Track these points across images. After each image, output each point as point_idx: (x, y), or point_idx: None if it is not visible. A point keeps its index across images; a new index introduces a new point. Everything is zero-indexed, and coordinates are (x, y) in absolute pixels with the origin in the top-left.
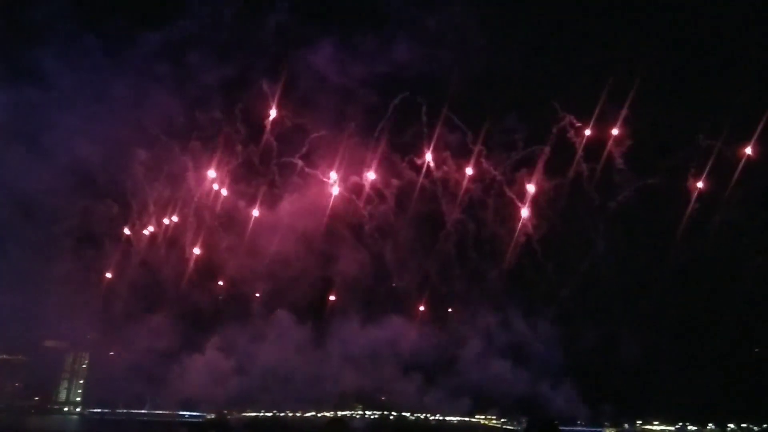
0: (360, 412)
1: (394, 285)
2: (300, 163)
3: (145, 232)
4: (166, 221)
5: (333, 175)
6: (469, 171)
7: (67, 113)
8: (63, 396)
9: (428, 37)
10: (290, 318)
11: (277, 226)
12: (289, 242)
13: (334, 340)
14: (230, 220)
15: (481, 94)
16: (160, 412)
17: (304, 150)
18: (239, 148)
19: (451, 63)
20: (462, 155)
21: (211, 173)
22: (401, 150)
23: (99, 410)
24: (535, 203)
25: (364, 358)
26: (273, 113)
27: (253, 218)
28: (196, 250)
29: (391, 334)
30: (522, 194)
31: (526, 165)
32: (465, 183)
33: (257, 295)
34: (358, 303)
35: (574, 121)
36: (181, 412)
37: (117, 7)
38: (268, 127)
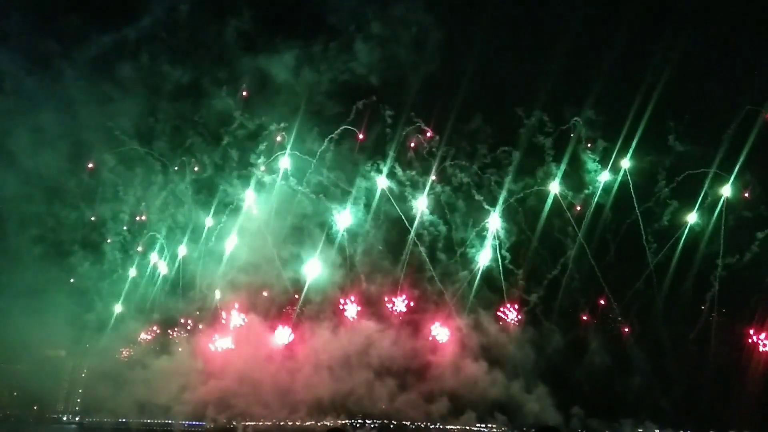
0: (360, 421)
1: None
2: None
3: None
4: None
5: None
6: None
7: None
8: (62, 405)
9: (389, 40)
10: (262, 323)
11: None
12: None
13: (306, 346)
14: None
15: (445, 95)
16: (148, 420)
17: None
18: (200, 155)
19: (414, 65)
20: (428, 159)
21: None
22: (365, 155)
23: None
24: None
25: (337, 363)
26: (234, 118)
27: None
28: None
29: (363, 338)
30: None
31: (494, 167)
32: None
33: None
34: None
35: (545, 119)
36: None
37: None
38: (227, 133)
